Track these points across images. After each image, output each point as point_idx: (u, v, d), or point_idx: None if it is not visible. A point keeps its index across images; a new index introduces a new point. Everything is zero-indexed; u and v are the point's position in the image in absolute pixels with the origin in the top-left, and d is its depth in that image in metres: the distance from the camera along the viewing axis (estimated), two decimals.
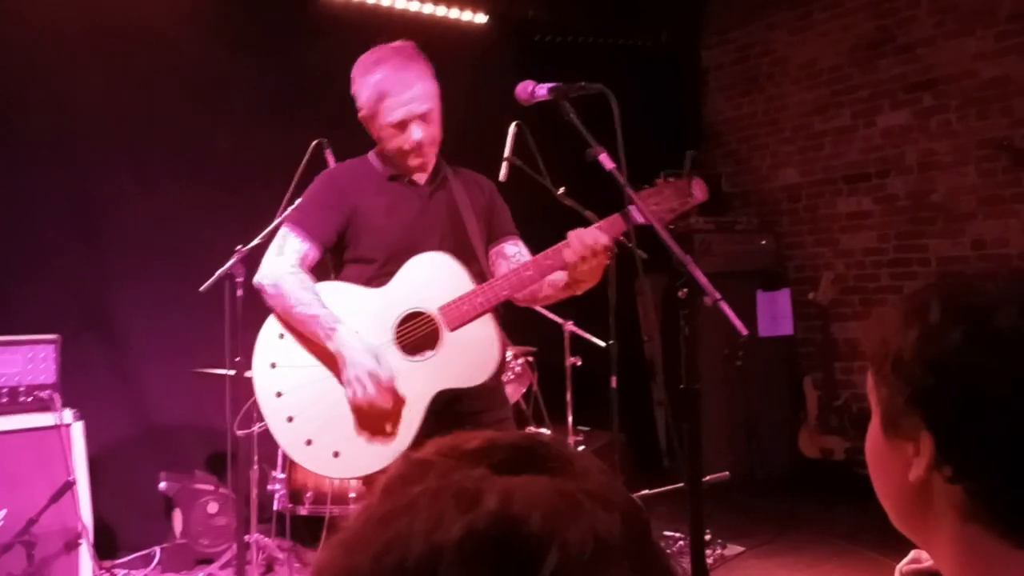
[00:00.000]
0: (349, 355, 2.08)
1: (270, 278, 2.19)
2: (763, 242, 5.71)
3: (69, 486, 2.76)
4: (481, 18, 5.38)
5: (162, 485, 3.74)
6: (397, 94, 2.21)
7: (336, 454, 2.11)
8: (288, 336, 2.19)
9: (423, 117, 2.24)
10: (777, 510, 4.67)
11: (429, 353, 2.17)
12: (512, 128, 3.23)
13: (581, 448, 4.22)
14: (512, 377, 3.87)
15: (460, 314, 2.16)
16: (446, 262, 2.22)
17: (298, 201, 2.33)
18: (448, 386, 2.16)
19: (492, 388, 2.30)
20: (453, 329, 2.17)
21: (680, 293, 1.82)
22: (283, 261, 2.20)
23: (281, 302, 2.16)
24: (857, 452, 5.18)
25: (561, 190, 3.68)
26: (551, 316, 4.18)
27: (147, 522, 3.87)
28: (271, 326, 2.21)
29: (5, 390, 2.82)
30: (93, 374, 3.86)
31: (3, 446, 2.77)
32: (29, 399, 2.86)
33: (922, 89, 5.18)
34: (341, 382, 2.12)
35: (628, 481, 4.14)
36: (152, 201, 4.22)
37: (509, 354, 3.80)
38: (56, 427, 2.84)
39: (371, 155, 2.38)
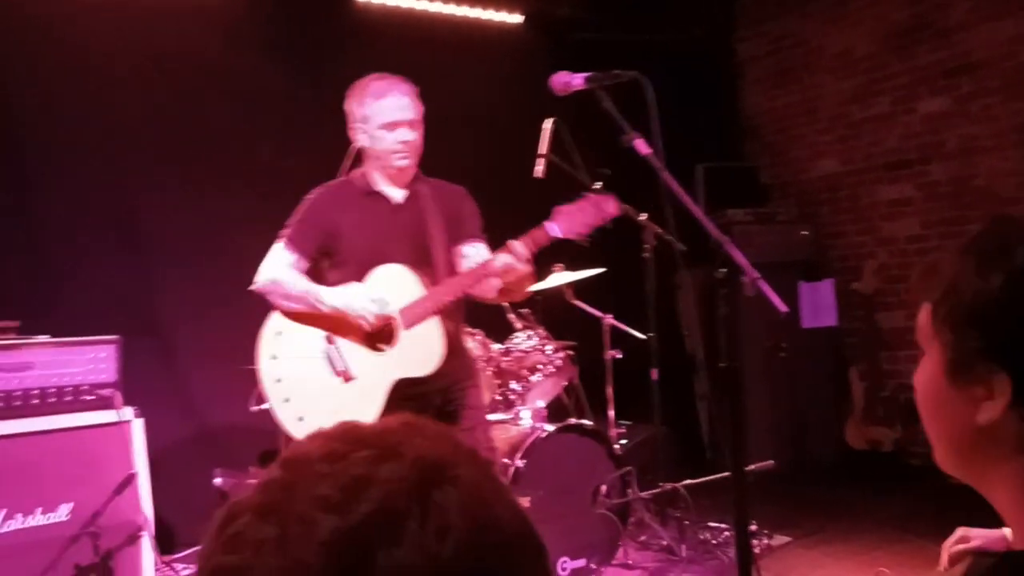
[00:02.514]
0: (344, 303, 2.56)
1: (266, 277, 2.66)
2: (803, 233, 5.68)
3: (132, 479, 2.87)
4: (516, 18, 5.45)
5: (217, 481, 3.84)
6: (392, 98, 2.66)
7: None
8: (286, 333, 2.66)
9: (411, 124, 2.68)
10: (824, 500, 4.64)
11: (389, 346, 2.64)
12: (548, 125, 3.29)
13: (623, 442, 4.24)
14: (553, 371, 3.91)
15: (413, 315, 2.61)
16: (402, 272, 2.66)
17: (289, 220, 2.74)
18: (405, 374, 2.62)
19: (454, 367, 2.71)
20: (408, 327, 2.62)
21: (718, 273, 1.85)
22: (277, 266, 2.67)
23: (280, 289, 2.63)
24: (906, 443, 5.12)
25: (598, 185, 3.73)
26: (590, 310, 4.22)
27: (203, 518, 3.94)
28: (271, 325, 2.67)
29: (70, 388, 2.93)
30: (147, 375, 3.96)
31: (69, 442, 2.88)
32: (92, 397, 2.97)
33: (961, 74, 5.12)
34: (332, 367, 2.63)
35: (671, 474, 4.15)
36: (196, 207, 4.35)
37: (550, 348, 3.84)
38: (118, 424, 2.95)
39: (354, 175, 2.79)
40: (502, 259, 2.53)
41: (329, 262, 2.73)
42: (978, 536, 1.50)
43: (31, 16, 4.05)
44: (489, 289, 2.69)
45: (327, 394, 2.62)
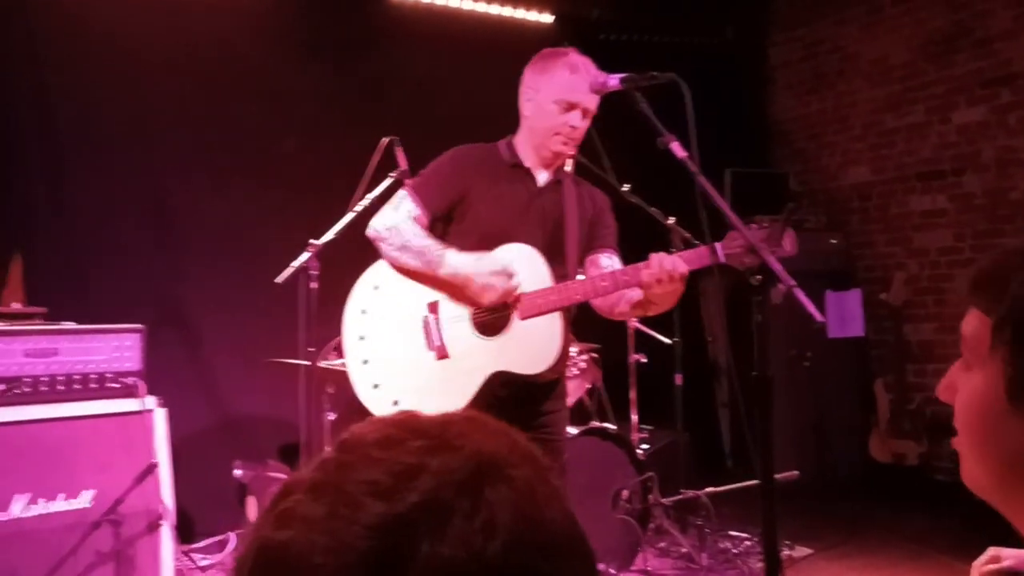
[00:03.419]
0: (467, 271, 2.26)
1: (385, 224, 2.35)
2: (832, 241, 5.61)
3: (153, 468, 2.87)
4: (546, 18, 5.43)
5: (237, 473, 3.85)
6: (580, 78, 2.33)
7: (395, 403, 2.29)
8: (383, 288, 2.39)
9: (586, 112, 2.37)
10: (847, 513, 4.57)
11: (498, 334, 2.32)
12: None
13: (645, 446, 4.20)
14: (577, 373, 3.88)
15: (534, 306, 2.29)
16: (533, 255, 2.34)
17: (424, 169, 2.49)
18: (507, 368, 2.30)
19: (553, 382, 2.44)
20: (524, 318, 2.30)
21: (753, 280, 1.82)
22: (398, 214, 2.36)
23: (398, 238, 2.31)
24: (931, 457, 5.04)
25: (626, 187, 3.70)
26: None
27: (222, 509, 3.99)
28: (370, 277, 2.41)
29: (94, 376, 2.94)
30: (171, 365, 3.99)
31: (92, 429, 2.89)
32: (116, 385, 2.97)
33: (1000, 84, 5.03)
34: (427, 339, 2.34)
35: (691, 480, 4.11)
36: (225, 200, 4.37)
37: (574, 350, 3.81)
38: (141, 412, 2.96)
39: (501, 143, 2.51)
40: (656, 268, 2.14)
41: (448, 229, 2.43)
42: (1010, 556, 1.46)
43: (67, 12, 4.09)
44: (622, 301, 2.35)
45: (413, 368, 2.33)
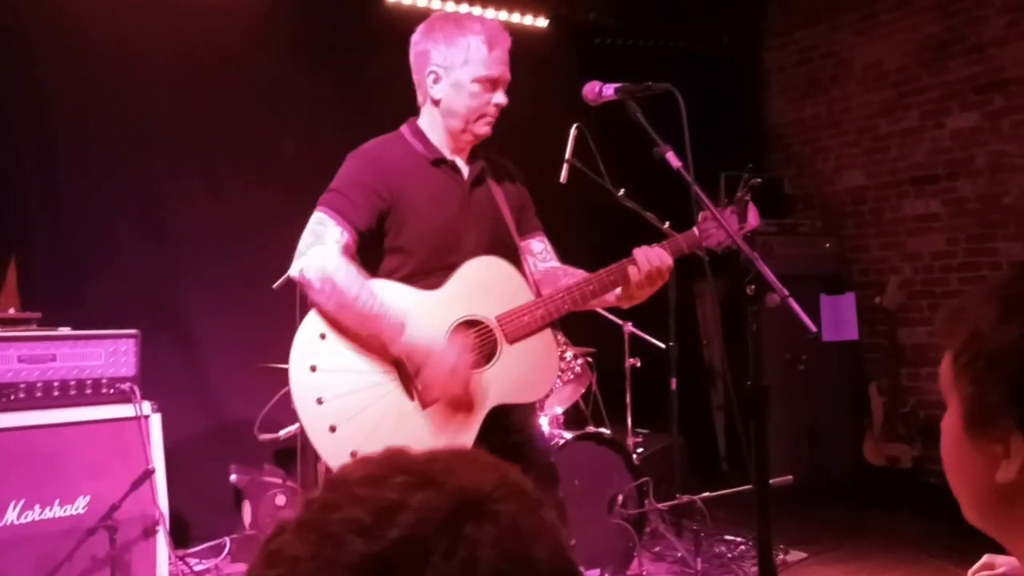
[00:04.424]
0: (426, 356, 1.96)
1: (316, 271, 1.96)
2: (827, 245, 5.63)
3: (149, 474, 2.87)
4: (542, 22, 5.43)
5: (232, 477, 3.86)
6: (500, 52, 2.12)
7: None
8: (331, 336, 1.99)
9: (506, 87, 2.17)
10: (841, 517, 4.59)
11: (486, 365, 2.05)
12: (572, 131, 3.26)
13: (640, 450, 4.21)
14: (572, 377, 3.89)
15: (520, 326, 2.06)
16: (505, 268, 2.12)
17: (333, 182, 2.11)
18: (504, 401, 2.05)
19: None
20: (512, 342, 2.06)
21: (748, 290, 1.83)
22: (328, 252, 1.98)
23: (337, 297, 1.95)
24: (925, 460, 5.06)
25: (621, 192, 3.71)
26: (611, 317, 4.19)
27: (218, 513, 3.99)
28: (311, 325, 2.01)
29: (89, 382, 2.95)
30: (166, 370, 4.00)
31: (87, 435, 2.89)
32: (111, 391, 2.98)
33: (993, 90, 5.05)
34: (405, 387, 2.01)
35: (686, 484, 4.12)
36: (221, 204, 4.37)
37: (569, 354, 3.82)
38: (136, 418, 2.96)
39: (405, 133, 2.20)
40: (645, 263, 2.05)
41: (382, 244, 2.11)
42: (1004, 563, 1.47)
43: (62, 13, 4.08)
44: (605, 299, 2.17)
45: (395, 424, 1.97)
